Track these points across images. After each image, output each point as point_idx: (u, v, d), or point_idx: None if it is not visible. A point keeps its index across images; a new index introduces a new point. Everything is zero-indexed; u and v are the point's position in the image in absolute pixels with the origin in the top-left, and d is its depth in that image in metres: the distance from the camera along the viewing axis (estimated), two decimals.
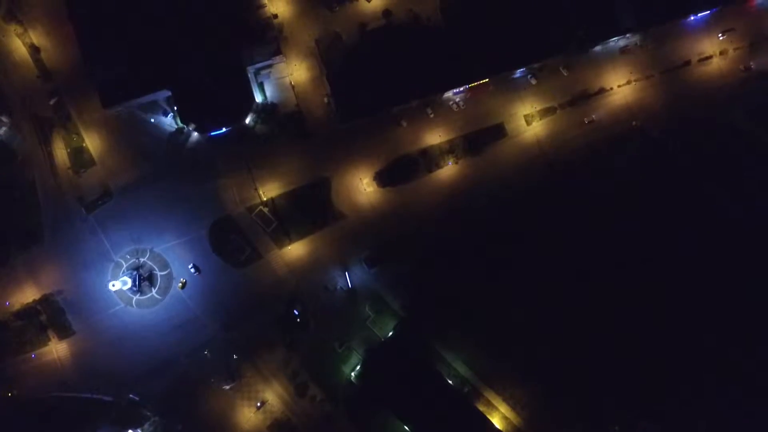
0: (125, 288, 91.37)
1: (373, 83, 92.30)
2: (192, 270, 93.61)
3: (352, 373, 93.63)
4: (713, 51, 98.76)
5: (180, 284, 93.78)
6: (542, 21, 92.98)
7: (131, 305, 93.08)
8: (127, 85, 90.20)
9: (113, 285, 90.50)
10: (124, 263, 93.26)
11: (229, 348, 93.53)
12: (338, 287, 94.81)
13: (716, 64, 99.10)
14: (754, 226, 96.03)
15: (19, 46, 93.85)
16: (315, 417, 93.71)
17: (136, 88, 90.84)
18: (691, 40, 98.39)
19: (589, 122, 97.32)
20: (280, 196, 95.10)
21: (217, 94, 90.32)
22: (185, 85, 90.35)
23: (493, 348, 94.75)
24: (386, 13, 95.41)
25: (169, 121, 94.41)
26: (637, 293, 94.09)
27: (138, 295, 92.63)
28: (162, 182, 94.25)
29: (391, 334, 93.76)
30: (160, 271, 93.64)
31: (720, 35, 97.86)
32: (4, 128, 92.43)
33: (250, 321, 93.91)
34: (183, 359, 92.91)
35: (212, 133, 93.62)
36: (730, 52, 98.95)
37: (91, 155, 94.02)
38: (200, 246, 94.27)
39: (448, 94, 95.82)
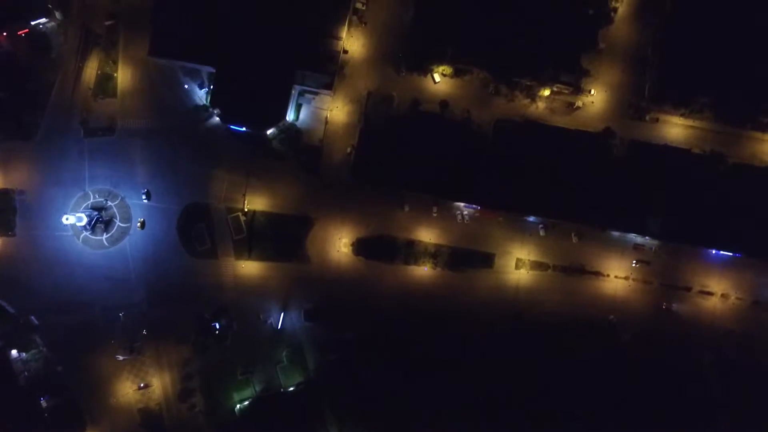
0: (78, 224, 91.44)
1: (398, 158, 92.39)
2: (143, 196, 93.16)
3: (239, 405, 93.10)
4: (717, 289, 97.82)
5: (139, 223, 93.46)
6: (576, 185, 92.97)
7: (78, 238, 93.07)
8: (180, 44, 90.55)
9: (66, 218, 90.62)
10: (91, 197, 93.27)
11: (143, 322, 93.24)
12: (269, 321, 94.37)
13: (713, 303, 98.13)
14: None
15: None
16: (185, 424, 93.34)
17: (186, 52, 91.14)
18: (703, 269, 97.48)
19: (666, 307, 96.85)
20: (262, 213, 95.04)
21: (255, 95, 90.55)
22: (230, 73, 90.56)
23: None
24: (444, 103, 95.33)
25: (201, 95, 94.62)
26: None
27: (89, 233, 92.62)
28: (165, 145, 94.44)
29: (292, 388, 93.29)
30: (121, 222, 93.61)
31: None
32: (53, 23, 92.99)
33: (175, 308, 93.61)
34: (97, 310, 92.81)
35: (232, 126, 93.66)
36: (732, 298, 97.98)
37: (116, 87, 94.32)
38: (168, 218, 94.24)
39: (460, 203, 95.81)
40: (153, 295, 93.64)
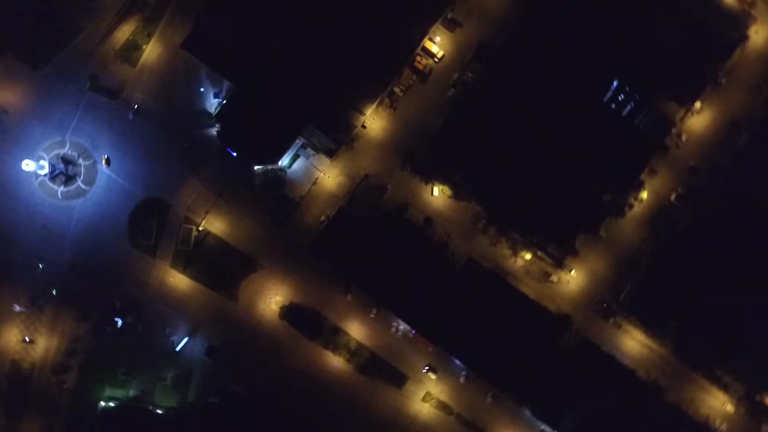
0: (40, 172, 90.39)
1: (362, 250, 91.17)
2: (104, 162, 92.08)
3: (105, 402, 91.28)
4: None
5: (104, 160, 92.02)
6: (513, 353, 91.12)
7: (35, 178, 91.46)
8: (214, 53, 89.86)
9: (27, 164, 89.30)
10: (67, 147, 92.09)
11: (57, 282, 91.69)
12: (171, 338, 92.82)
13: None
14: None
15: None
16: (47, 394, 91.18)
17: (218, 63, 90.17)
18: None
19: None
20: (214, 237, 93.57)
21: (259, 128, 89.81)
22: (246, 98, 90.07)
23: None
24: (428, 219, 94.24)
25: (212, 103, 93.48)
26: None
27: (46, 178, 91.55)
28: (160, 133, 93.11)
29: (161, 411, 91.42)
30: (82, 183, 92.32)
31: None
32: None
33: (92, 285, 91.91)
34: (18, 253, 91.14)
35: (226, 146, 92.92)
36: None
37: (139, 59, 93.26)
38: (126, 201, 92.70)
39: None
40: (79, 262, 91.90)
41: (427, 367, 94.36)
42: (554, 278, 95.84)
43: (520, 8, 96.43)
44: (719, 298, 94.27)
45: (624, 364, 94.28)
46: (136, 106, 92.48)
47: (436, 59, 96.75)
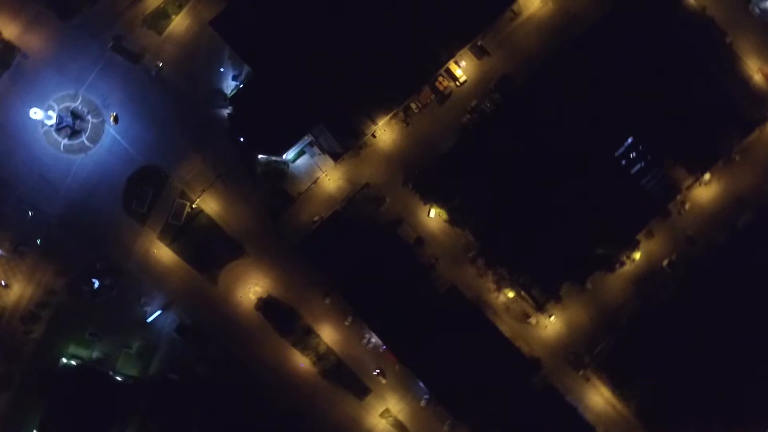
0: (47, 122, 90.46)
1: (346, 260, 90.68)
2: (111, 119, 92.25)
3: (67, 359, 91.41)
4: None
5: (112, 117, 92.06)
6: (477, 388, 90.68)
7: (41, 126, 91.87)
8: (240, 36, 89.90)
9: (35, 112, 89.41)
10: (78, 101, 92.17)
11: (43, 232, 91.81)
12: (145, 308, 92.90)
13: None
14: None
15: None
16: (12, 342, 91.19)
17: (242, 46, 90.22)
18: None
19: None
20: (206, 216, 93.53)
21: (271, 119, 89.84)
22: (264, 87, 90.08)
23: None
24: (419, 239, 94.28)
25: (230, 84, 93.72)
26: None
27: (52, 129, 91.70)
28: (172, 104, 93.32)
29: (120, 378, 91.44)
30: (86, 140, 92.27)
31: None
32: None
33: (78, 242, 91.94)
34: (14, 196, 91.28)
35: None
36: None
37: (164, 29, 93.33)
38: (127, 165, 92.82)
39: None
40: (69, 217, 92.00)
41: (378, 371, 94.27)
42: (533, 320, 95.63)
43: (551, 50, 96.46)
44: (691, 371, 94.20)
45: (585, 417, 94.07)
46: (160, 64, 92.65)
47: (458, 83, 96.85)
